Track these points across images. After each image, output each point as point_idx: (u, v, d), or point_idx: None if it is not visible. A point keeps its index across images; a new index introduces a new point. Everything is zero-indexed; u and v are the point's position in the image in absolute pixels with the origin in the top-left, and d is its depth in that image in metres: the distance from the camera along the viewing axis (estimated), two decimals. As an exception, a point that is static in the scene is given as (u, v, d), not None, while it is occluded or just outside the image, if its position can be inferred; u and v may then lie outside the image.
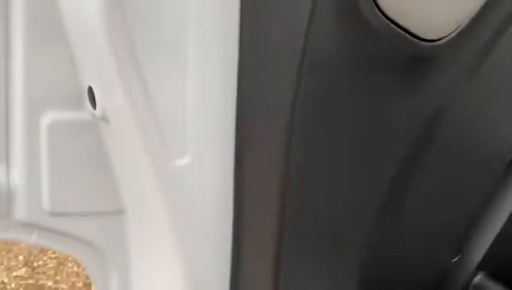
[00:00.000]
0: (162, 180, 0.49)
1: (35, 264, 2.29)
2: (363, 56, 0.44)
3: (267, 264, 0.49)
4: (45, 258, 2.34)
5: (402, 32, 0.42)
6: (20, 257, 2.30)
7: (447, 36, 0.44)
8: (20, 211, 0.52)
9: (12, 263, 2.26)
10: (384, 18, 0.42)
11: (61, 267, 2.29)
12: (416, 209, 0.60)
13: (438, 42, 0.44)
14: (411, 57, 0.45)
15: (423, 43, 0.43)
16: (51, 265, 2.31)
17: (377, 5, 0.41)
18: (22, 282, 2.17)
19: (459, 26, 0.45)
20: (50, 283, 2.20)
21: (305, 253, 0.51)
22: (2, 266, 2.25)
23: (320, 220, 0.51)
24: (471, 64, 0.51)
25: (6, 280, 2.16)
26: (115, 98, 0.47)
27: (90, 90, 0.49)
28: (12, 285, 2.15)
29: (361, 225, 0.53)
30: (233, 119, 0.48)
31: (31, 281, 2.18)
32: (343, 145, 0.49)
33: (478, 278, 0.70)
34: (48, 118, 0.50)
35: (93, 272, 0.58)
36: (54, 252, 2.45)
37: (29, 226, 0.53)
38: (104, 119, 0.48)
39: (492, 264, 0.69)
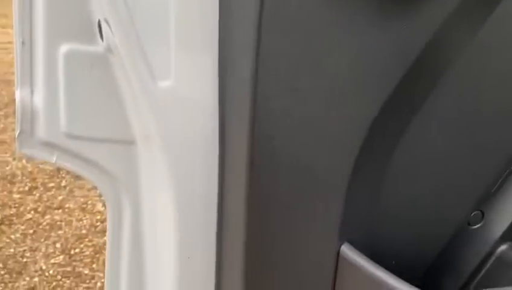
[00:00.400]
0: (150, 103, 0.53)
1: (72, 252, 2.36)
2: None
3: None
4: (82, 246, 2.42)
5: None
6: (58, 245, 2.38)
7: None
8: (41, 131, 0.58)
9: (50, 250, 2.34)
10: None
11: (98, 255, 2.35)
12: (424, 164, 0.56)
13: None
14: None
15: None
16: (87, 253, 2.37)
17: None
18: (59, 269, 2.25)
19: None
20: (87, 271, 2.26)
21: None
22: (41, 253, 2.33)
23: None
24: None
25: (44, 267, 2.24)
26: (110, 31, 0.51)
27: (99, 24, 0.54)
28: (50, 272, 2.22)
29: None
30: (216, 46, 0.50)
31: (68, 269, 2.26)
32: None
33: (502, 248, 0.64)
34: (65, 48, 0.56)
35: (107, 195, 0.62)
36: (90, 240, 2.52)
37: (49, 145, 0.58)
38: (110, 51, 0.53)
39: None
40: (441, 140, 0.55)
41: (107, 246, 0.67)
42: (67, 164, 0.58)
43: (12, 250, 2.51)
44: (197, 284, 0.61)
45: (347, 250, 0.51)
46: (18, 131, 0.58)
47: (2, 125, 3.62)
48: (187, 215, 0.54)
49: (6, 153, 3.28)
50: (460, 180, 0.59)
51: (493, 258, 0.63)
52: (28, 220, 2.72)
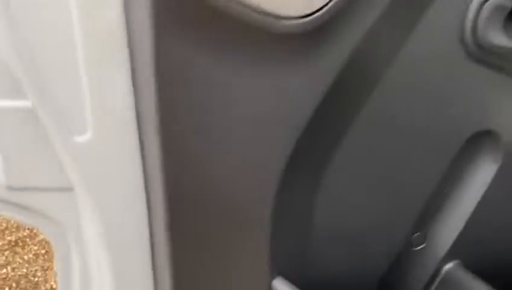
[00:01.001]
0: (70, 158, 0.54)
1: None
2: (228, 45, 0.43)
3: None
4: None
5: (260, 14, 0.40)
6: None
7: (315, 13, 0.40)
8: None
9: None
10: (240, 5, 0.40)
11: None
12: (356, 188, 0.58)
13: (307, 19, 0.41)
14: (282, 35, 0.43)
15: (287, 21, 0.40)
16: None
17: None
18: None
19: (327, 4, 0.41)
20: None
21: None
22: (51, 272, 2.40)
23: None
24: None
25: (54, 286, 2.30)
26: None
27: None
28: (61, 290, 2.28)
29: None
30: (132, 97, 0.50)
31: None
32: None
33: (447, 268, 0.65)
34: None
35: (57, 244, 0.64)
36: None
37: None
38: None
39: (463, 253, 0.64)
40: (373, 164, 0.57)
41: None
42: (13, 215, 0.60)
43: (24, 270, 2.59)
44: None
45: (279, 285, 0.53)
46: None
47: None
48: (121, 261, 0.57)
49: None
50: (398, 202, 0.60)
51: (439, 278, 0.65)
52: (40, 240, 2.81)
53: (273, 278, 0.54)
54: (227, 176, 0.51)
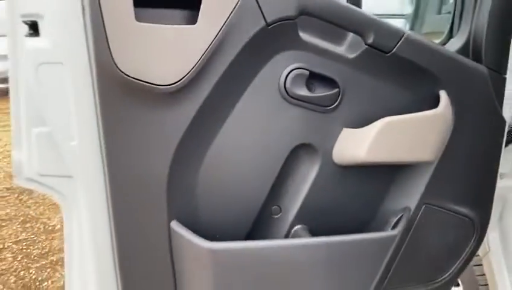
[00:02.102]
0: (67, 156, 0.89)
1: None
2: (128, 98, 0.80)
3: None
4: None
5: (141, 82, 0.77)
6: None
7: (179, 81, 0.78)
8: (25, 172, 0.94)
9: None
10: (124, 75, 0.77)
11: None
12: (225, 170, 0.88)
13: (174, 86, 0.79)
14: (161, 97, 0.81)
15: (162, 87, 0.79)
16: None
17: (118, 68, 0.76)
18: None
19: (186, 75, 0.79)
20: None
21: None
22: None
23: None
24: (214, 101, 0.82)
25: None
26: None
27: None
28: None
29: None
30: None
31: None
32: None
33: (295, 229, 0.98)
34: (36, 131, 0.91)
35: (63, 207, 0.98)
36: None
37: (30, 180, 0.95)
38: None
39: (305, 220, 0.97)
40: (236, 161, 0.89)
41: (65, 241, 1.02)
42: (40, 190, 0.97)
43: (62, 283, 3.02)
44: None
45: (175, 225, 0.88)
46: (14, 174, 0.96)
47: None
48: (93, 217, 0.91)
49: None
50: (253, 184, 0.91)
51: (289, 236, 0.97)
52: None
53: (170, 220, 0.86)
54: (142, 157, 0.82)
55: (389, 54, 0.89)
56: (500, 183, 1.23)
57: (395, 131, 0.90)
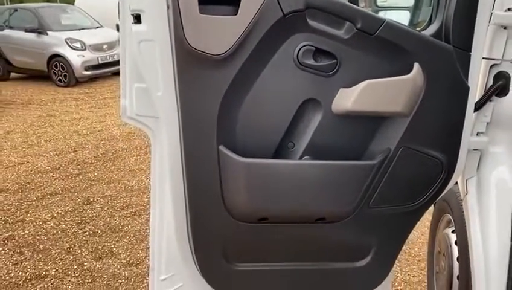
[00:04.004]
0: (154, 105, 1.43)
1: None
2: (194, 63, 1.26)
3: None
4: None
5: (203, 53, 1.23)
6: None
7: (225, 52, 1.22)
8: (127, 112, 1.36)
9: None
10: (192, 48, 1.23)
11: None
12: (256, 112, 1.27)
13: (222, 55, 1.24)
14: (214, 62, 1.25)
15: (215, 56, 1.23)
16: None
17: (188, 43, 1.21)
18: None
19: (229, 48, 1.23)
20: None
21: None
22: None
23: None
24: (249, 66, 1.20)
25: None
26: None
27: None
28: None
29: None
30: None
31: None
32: None
33: (304, 158, 1.39)
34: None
35: (152, 138, 1.37)
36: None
37: (131, 119, 1.36)
38: None
39: (314, 153, 1.38)
40: (261, 108, 1.28)
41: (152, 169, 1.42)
42: (136, 126, 1.36)
43: (139, 227, 3.60)
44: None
45: (222, 148, 1.32)
46: (121, 114, 1.35)
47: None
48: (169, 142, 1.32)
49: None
50: (275, 122, 1.28)
51: None
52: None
53: (219, 145, 1.22)
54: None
55: (373, 36, 1.28)
56: (477, 139, 1.58)
57: (375, 89, 1.30)
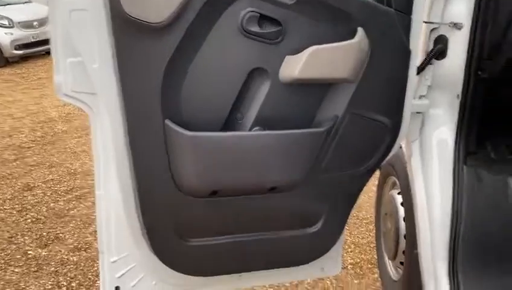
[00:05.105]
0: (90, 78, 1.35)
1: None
2: (132, 32, 1.18)
3: None
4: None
5: (141, 21, 1.16)
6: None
7: (165, 19, 1.16)
8: (63, 89, 1.24)
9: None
10: (129, 16, 1.16)
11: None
12: (201, 81, 1.21)
13: (162, 23, 1.17)
14: (154, 30, 1.18)
15: (154, 24, 1.17)
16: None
17: (124, 11, 1.13)
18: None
19: (169, 16, 1.16)
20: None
21: None
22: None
23: None
24: (191, 34, 1.14)
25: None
26: None
27: None
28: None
29: None
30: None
31: None
32: None
33: (255, 129, 1.36)
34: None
35: (90, 116, 1.29)
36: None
37: (67, 96, 1.25)
38: None
39: (263, 123, 1.36)
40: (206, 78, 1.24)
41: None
42: (75, 104, 1.27)
43: (85, 211, 3.45)
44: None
45: (168, 122, 1.27)
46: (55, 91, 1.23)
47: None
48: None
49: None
50: (222, 93, 1.24)
51: None
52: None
53: (164, 119, 1.17)
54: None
55: (317, 1, 1.25)
56: (420, 102, 1.62)
57: (321, 56, 1.28)
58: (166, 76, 1.20)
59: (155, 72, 1.18)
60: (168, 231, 1.37)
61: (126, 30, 1.14)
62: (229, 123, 1.33)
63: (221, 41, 1.24)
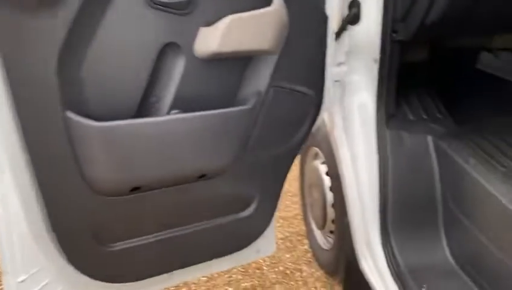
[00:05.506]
0: None
1: None
2: (10, 12, 0.94)
3: None
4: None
5: None
6: None
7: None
8: None
9: None
10: None
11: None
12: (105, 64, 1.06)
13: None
14: (41, 8, 0.96)
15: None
16: None
17: None
18: None
19: None
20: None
21: None
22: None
23: None
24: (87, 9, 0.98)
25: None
26: None
27: None
28: None
29: None
30: None
31: None
32: None
33: (172, 113, 1.23)
34: None
35: None
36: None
37: None
38: None
39: (182, 106, 1.22)
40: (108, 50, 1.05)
41: None
42: None
43: None
44: None
45: (71, 115, 1.07)
46: None
47: None
48: None
49: None
50: (131, 75, 1.09)
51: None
52: None
53: (65, 111, 1.01)
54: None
55: None
56: (338, 69, 1.58)
57: (239, 26, 1.17)
58: (61, 61, 1.01)
59: (48, 58, 1.00)
60: (84, 237, 1.20)
61: (5, 8, 0.93)
62: (143, 109, 1.18)
63: (124, 15, 1.08)
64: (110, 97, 1.13)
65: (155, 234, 1.29)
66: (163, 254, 1.33)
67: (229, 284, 2.20)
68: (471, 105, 1.84)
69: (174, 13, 1.12)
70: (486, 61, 2.12)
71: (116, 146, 1.11)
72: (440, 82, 1.89)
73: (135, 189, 1.18)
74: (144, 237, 1.28)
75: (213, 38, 1.14)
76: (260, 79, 1.28)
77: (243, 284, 2.20)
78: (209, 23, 1.16)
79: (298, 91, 1.33)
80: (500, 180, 1.34)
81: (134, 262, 1.29)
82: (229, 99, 1.27)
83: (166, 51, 1.15)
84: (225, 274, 2.25)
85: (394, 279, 1.48)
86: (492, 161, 1.43)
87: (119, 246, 1.26)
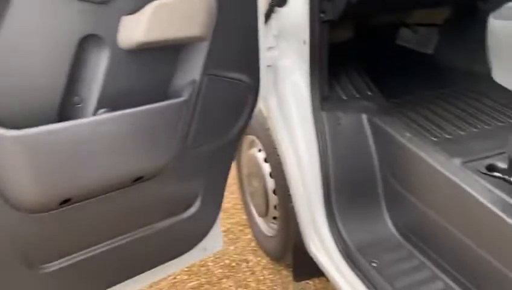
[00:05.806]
0: None
1: None
2: None
3: None
4: None
5: None
6: None
7: None
8: None
9: None
10: None
11: None
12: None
13: None
14: None
15: None
16: None
17: None
18: None
19: None
20: None
21: None
22: None
23: None
24: None
25: None
26: None
27: None
28: None
29: None
30: None
31: None
32: None
33: (99, 112, 1.10)
34: None
35: None
36: None
37: None
38: None
39: (109, 104, 1.10)
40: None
41: None
42: None
43: None
44: None
45: None
46: None
47: None
48: None
49: None
50: (48, 74, 0.98)
51: None
52: None
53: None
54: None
55: None
56: (269, 54, 1.53)
57: (165, 12, 1.07)
58: None
59: None
60: (11, 261, 1.06)
61: None
62: (65, 111, 1.06)
63: (32, 6, 0.95)
64: (24, 100, 0.99)
65: (92, 248, 1.17)
66: (103, 269, 1.21)
67: (174, 286, 2.11)
68: (396, 80, 1.89)
69: (92, 1, 1.00)
70: (405, 37, 2.19)
71: (36, 156, 0.97)
72: (366, 60, 1.92)
73: (65, 201, 1.05)
74: (80, 253, 1.15)
75: (138, 27, 1.04)
76: (193, 68, 1.20)
77: (189, 284, 2.12)
78: (133, 11, 1.06)
79: (234, 78, 1.27)
80: (433, 149, 1.38)
81: (70, 282, 1.16)
82: (162, 92, 1.18)
83: (86, 44, 1.03)
84: (169, 276, 2.15)
85: (344, 258, 1.49)
86: (425, 132, 1.48)
87: (53, 266, 1.12)
